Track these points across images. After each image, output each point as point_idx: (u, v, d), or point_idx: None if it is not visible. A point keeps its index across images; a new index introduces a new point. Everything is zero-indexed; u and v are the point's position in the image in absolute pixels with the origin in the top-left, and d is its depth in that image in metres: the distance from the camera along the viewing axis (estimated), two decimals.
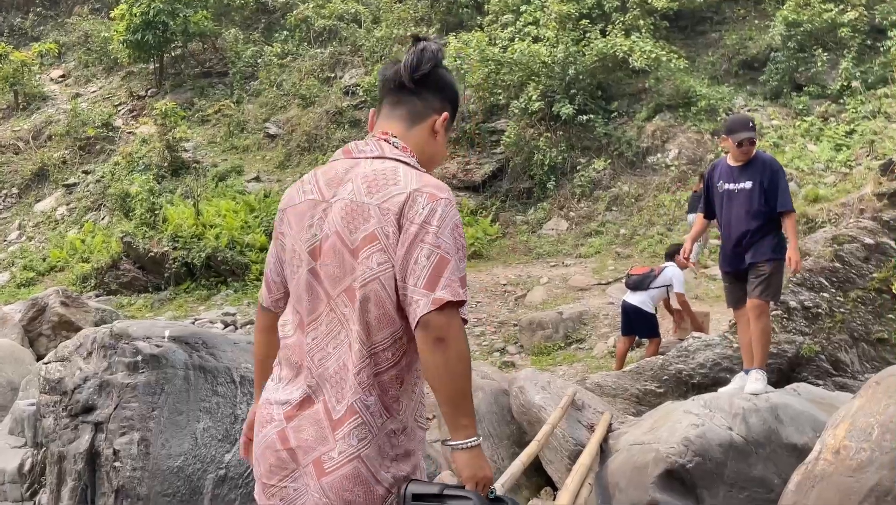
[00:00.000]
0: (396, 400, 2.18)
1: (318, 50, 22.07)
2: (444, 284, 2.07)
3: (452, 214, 2.15)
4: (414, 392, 2.25)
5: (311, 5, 22.44)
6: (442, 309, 2.06)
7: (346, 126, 19.58)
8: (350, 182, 2.22)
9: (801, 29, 16.24)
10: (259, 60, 22.19)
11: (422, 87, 2.32)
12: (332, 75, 21.40)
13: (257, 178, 18.93)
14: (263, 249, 16.24)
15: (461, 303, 2.10)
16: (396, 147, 2.28)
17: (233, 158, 19.81)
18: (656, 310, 9.15)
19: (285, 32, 22.85)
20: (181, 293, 15.43)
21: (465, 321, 2.14)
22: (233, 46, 22.86)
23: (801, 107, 16.06)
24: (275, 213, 2.80)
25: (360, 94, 19.83)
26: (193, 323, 11.71)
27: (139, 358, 5.62)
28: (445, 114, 2.34)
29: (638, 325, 9.07)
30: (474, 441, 2.11)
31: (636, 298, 8.99)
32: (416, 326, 2.10)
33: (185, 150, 19.97)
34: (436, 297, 2.06)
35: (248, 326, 12.70)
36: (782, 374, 6.21)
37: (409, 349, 2.20)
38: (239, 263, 15.79)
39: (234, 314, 13.40)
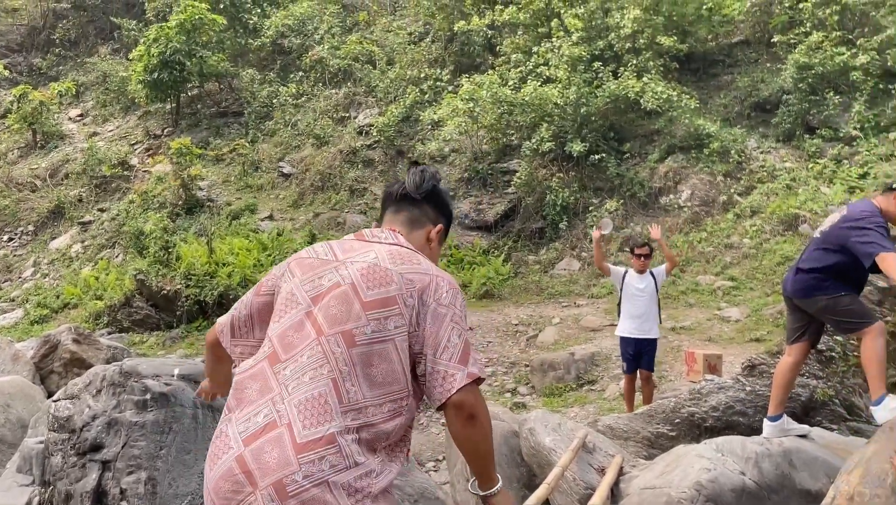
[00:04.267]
0: (380, 449, 2.32)
1: (333, 90, 22.31)
2: (472, 360, 2.38)
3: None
4: (401, 445, 2.42)
5: (327, 46, 22.74)
6: (473, 385, 2.35)
7: (359, 165, 19.72)
8: (372, 252, 2.49)
9: (813, 72, 16.28)
10: (274, 100, 22.43)
11: (424, 200, 2.65)
12: (347, 115, 21.61)
13: (271, 217, 19.03)
14: None
15: (482, 380, 2.40)
16: (409, 244, 2.58)
17: (247, 197, 19.95)
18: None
19: (301, 73, 23.12)
20: (193, 331, 15.45)
21: None
22: (248, 87, 23.14)
23: (813, 149, 16.05)
24: (288, 252, 3.11)
25: (374, 133, 20.00)
26: (204, 361, 11.68)
27: (148, 396, 5.59)
28: (440, 225, 2.66)
29: None
30: (501, 484, 2.49)
31: None
32: (447, 401, 2.34)
33: (200, 189, 20.14)
34: (469, 371, 2.35)
35: None
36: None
37: (408, 408, 2.39)
38: None
39: None
